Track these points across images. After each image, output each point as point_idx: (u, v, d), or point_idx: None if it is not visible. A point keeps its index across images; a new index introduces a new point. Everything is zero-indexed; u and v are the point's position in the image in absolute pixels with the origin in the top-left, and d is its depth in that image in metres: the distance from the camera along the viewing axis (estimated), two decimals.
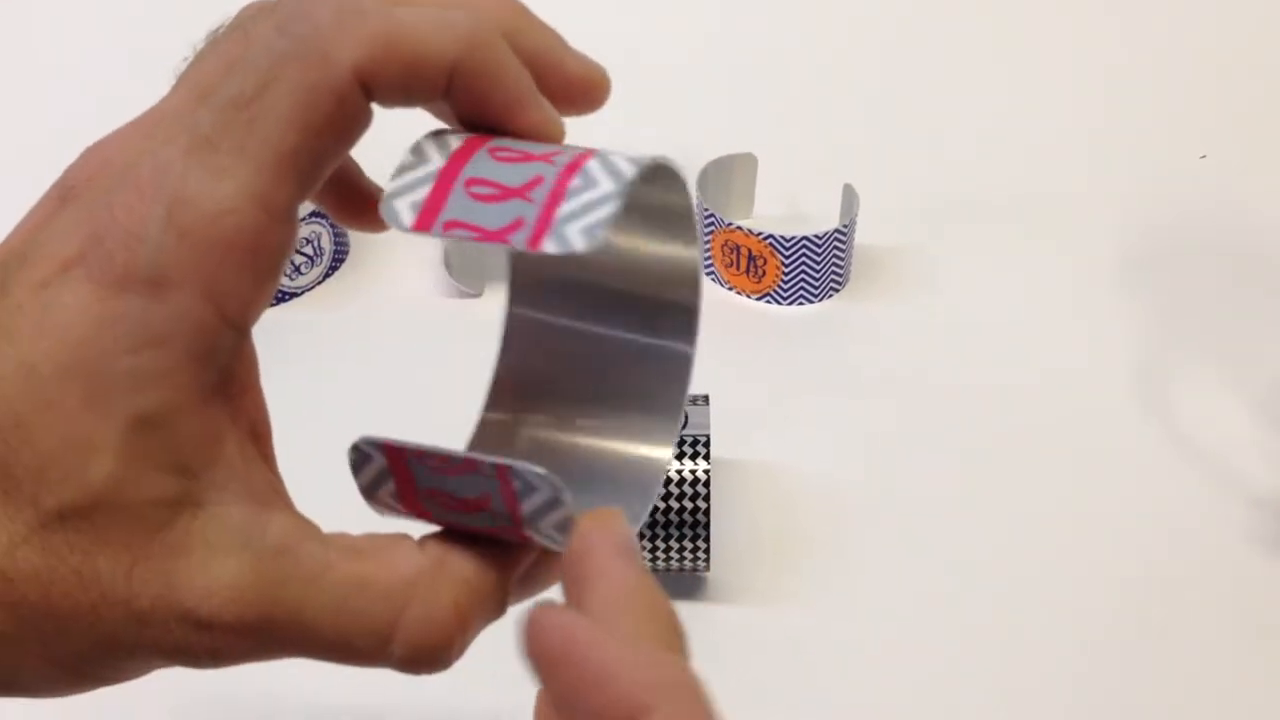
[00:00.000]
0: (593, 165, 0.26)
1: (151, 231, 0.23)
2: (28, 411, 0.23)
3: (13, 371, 0.23)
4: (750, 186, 0.77)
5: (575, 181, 0.25)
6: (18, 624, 0.23)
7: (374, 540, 0.25)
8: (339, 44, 0.24)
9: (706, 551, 0.53)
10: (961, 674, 0.53)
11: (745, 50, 0.92)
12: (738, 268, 0.71)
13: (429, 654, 0.26)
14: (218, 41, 0.26)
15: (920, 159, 0.83)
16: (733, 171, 0.75)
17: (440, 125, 0.28)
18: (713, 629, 0.55)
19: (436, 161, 0.26)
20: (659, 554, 0.53)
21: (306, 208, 0.72)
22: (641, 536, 0.52)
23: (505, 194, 0.25)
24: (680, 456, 0.52)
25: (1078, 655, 0.54)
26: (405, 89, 0.25)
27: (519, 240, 0.24)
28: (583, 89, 0.29)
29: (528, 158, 0.26)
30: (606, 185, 0.25)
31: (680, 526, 0.52)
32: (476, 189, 0.25)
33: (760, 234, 0.69)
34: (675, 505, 0.52)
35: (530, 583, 0.28)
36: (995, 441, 0.63)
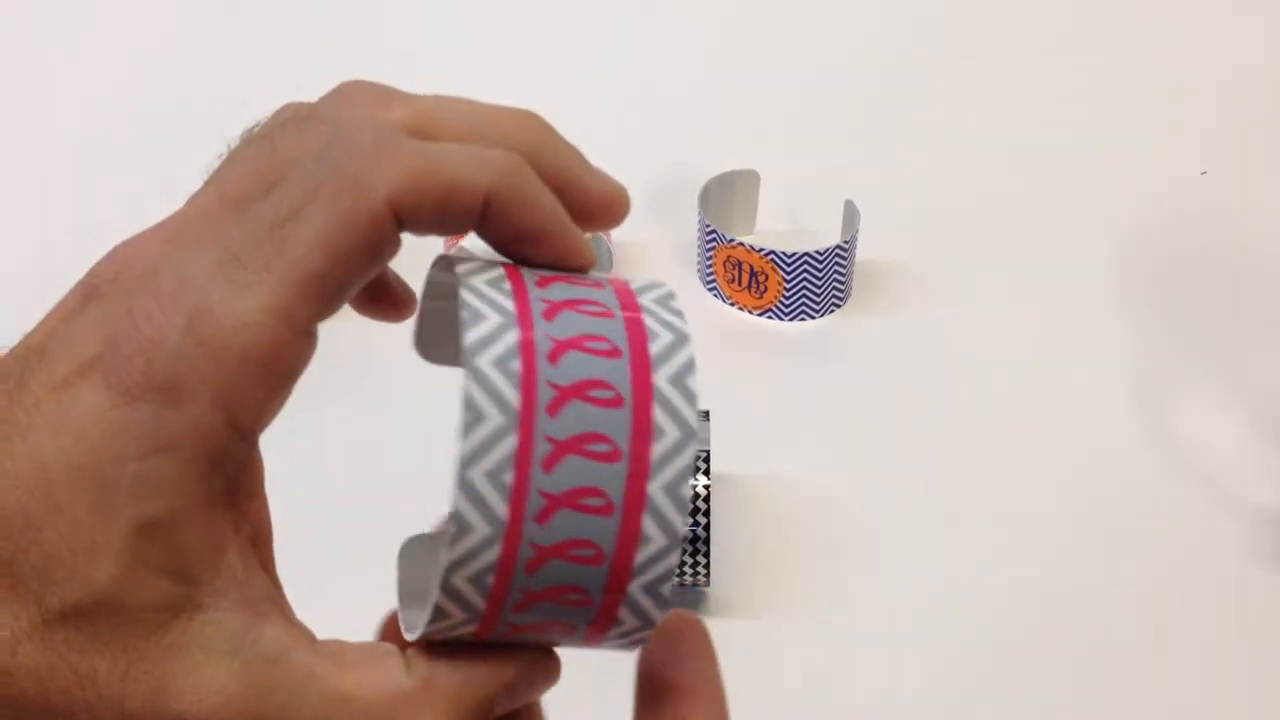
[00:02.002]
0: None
1: (170, 339, 0.24)
2: (37, 511, 0.23)
3: (26, 470, 0.24)
4: (752, 203, 0.77)
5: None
6: (15, 718, 0.24)
7: (363, 651, 0.26)
8: (376, 174, 0.24)
9: (707, 566, 0.53)
10: (962, 687, 0.53)
11: (748, 68, 0.93)
12: (739, 283, 0.72)
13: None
14: (246, 147, 0.26)
15: (921, 175, 0.83)
16: (735, 188, 0.76)
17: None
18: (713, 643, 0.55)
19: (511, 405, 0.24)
20: None
21: None
22: None
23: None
24: None
25: (1079, 668, 0.54)
26: (439, 220, 0.25)
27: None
28: (604, 208, 0.28)
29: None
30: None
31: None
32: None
33: (762, 250, 0.69)
34: None
35: (514, 696, 0.27)
36: (995, 456, 0.63)
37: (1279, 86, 0.91)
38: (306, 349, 0.25)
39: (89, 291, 0.26)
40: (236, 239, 0.24)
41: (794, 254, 0.69)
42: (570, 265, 0.27)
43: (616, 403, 0.24)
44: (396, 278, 0.31)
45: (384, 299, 0.32)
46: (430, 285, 0.29)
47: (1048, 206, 0.80)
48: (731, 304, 0.73)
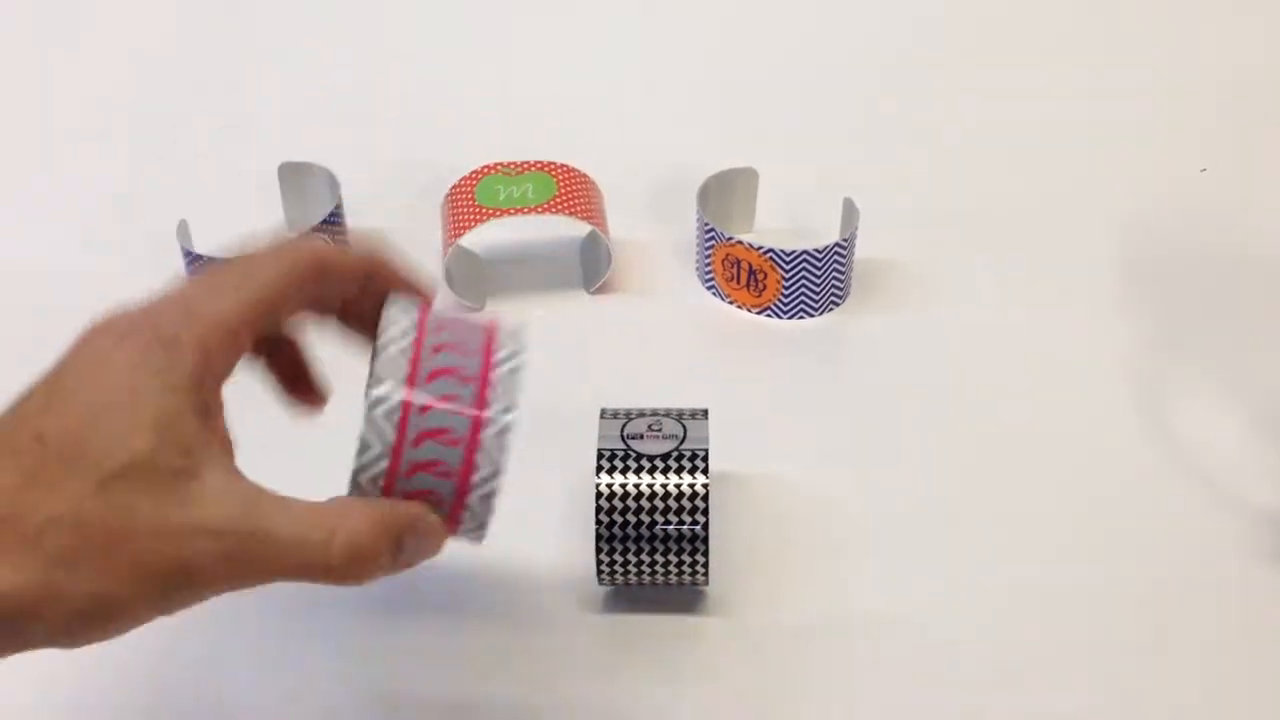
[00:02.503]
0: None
1: (175, 317, 0.40)
2: (90, 414, 0.37)
3: (78, 394, 0.38)
4: (751, 201, 0.77)
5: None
6: (83, 549, 0.36)
7: (324, 500, 0.40)
8: (303, 251, 0.43)
9: (705, 566, 0.53)
10: (961, 686, 0.53)
11: (747, 67, 0.93)
12: (738, 281, 0.71)
13: (357, 564, 0.39)
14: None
15: (920, 173, 0.83)
16: (734, 186, 0.76)
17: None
18: (712, 643, 0.55)
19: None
20: (657, 568, 0.53)
21: (316, 218, 0.72)
22: (640, 551, 0.53)
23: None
24: (679, 470, 0.52)
25: (1079, 667, 0.54)
26: (343, 278, 0.44)
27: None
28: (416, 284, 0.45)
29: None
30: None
31: (679, 540, 0.52)
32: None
33: (761, 248, 0.69)
34: (674, 519, 0.52)
35: (418, 537, 0.41)
36: (994, 454, 0.63)
37: (1278, 84, 0.91)
38: (248, 341, 0.41)
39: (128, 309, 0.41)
40: (214, 279, 0.41)
41: (793, 252, 0.69)
42: (416, 293, 0.45)
43: (456, 443, 0.41)
44: (320, 374, 0.48)
45: (303, 387, 0.48)
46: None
47: (1047, 205, 0.80)
48: (730, 302, 0.73)
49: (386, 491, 0.41)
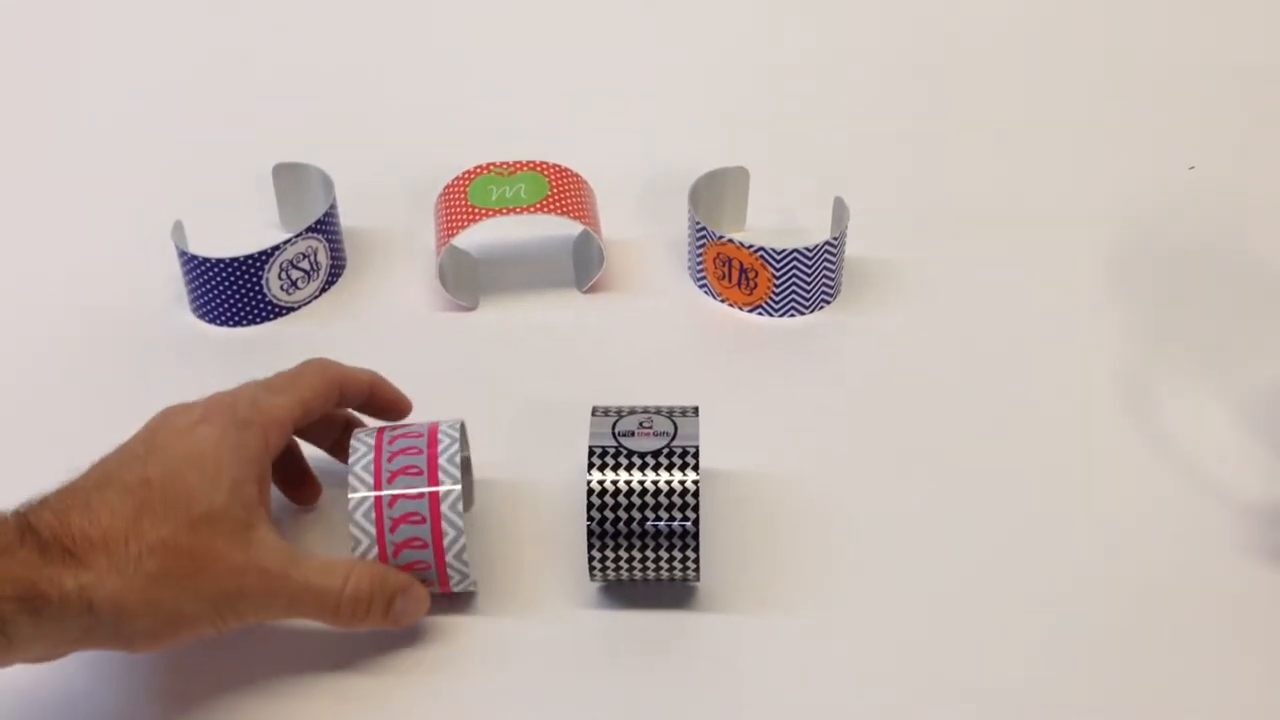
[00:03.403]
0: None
1: (245, 406, 0.53)
2: (186, 472, 0.50)
3: (176, 457, 0.50)
4: (742, 200, 0.77)
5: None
6: (175, 569, 0.48)
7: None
8: (332, 369, 0.57)
9: (696, 561, 0.53)
10: (952, 682, 0.53)
11: (737, 66, 0.93)
12: (730, 280, 0.72)
13: (358, 606, 0.52)
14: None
15: (910, 172, 0.84)
16: (725, 185, 0.76)
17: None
18: (702, 638, 0.55)
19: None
20: (649, 564, 0.54)
21: (310, 218, 0.73)
22: (631, 547, 0.53)
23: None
24: (670, 467, 0.53)
25: (1068, 661, 0.54)
26: (357, 390, 0.58)
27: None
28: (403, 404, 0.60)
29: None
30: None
31: (670, 537, 0.53)
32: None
33: (752, 247, 0.70)
34: (665, 516, 0.53)
35: (408, 600, 0.53)
36: (984, 451, 0.64)
37: (1266, 82, 0.91)
38: (290, 433, 0.55)
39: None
40: (269, 383, 0.55)
41: (783, 251, 0.69)
42: (403, 409, 0.60)
43: (423, 520, 0.53)
44: (311, 474, 0.61)
45: (303, 483, 0.61)
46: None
47: (1036, 203, 0.81)
48: (722, 300, 0.73)
49: None
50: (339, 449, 0.60)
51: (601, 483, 0.53)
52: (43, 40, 0.95)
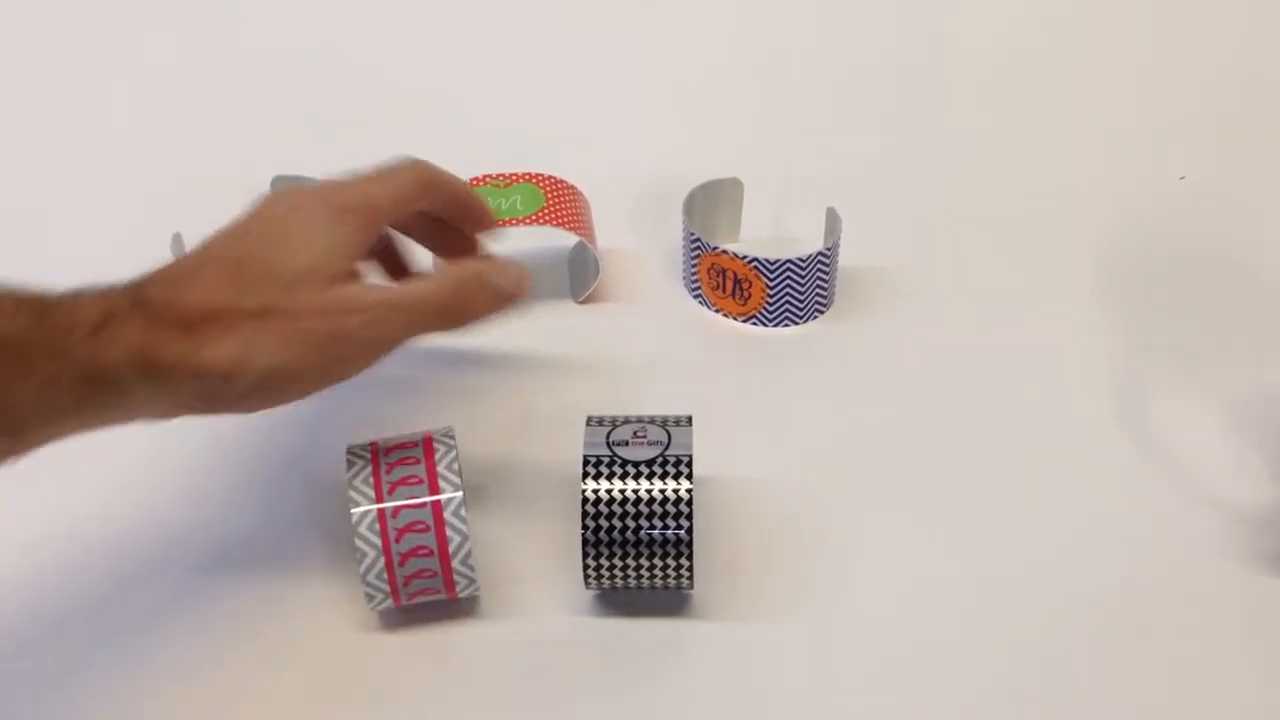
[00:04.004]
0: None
1: (339, 193, 0.54)
2: (277, 244, 0.51)
3: (278, 236, 0.51)
4: (736, 211, 0.78)
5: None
6: (270, 331, 0.49)
7: None
8: (431, 169, 0.59)
9: (690, 570, 0.54)
10: (945, 688, 0.54)
11: (731, 77, 0.94)
12: (724, 290, 0.73)
13: (459, 297, 0.54)
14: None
15: (903, 182, 0.84)
16: (719, 196, 0.77)
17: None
18: (698, 646, 0.56)
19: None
20: (643, 572, 0.54)
21: None
22: (625, 556, 0.54)
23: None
24: (664, 476, 0.53)
25: (1063, 669, 0.54)
26: (443, 193, 0.59)
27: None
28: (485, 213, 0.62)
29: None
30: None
31: (664, 545, 0.53)
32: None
33: (745, 257, 0.70)
34: (659, 524, 0.53)
35: (505, 275, 0.56)
36: (977, 459, 0.64)
37: (1257, 91, 0.92)
38: (386, 224, 0.57)
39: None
40: (370, 175, 0.56)
41: (777, 261, 0.70)
42: (483, 216, 0.61)
43: (427, 529, 0.53)
44: (410, 265, 0.62)
45: (404, 273, 0.61)
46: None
47: (1029, 213, 0.82)
48: (716, 310, 0.74)
49: (391, 582, 0.53)
50: (430, 241, 0.62)
51: (596, 491, 0.53)
52: (42, 52, 0.95)
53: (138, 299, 0.48)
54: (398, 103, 0.92)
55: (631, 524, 0.53)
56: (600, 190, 0.78)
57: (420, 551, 0.53)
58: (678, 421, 0.56)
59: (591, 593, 0.57)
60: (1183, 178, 0.84)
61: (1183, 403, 0.67)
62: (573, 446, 0.55)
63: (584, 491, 0.53)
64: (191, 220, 0.73)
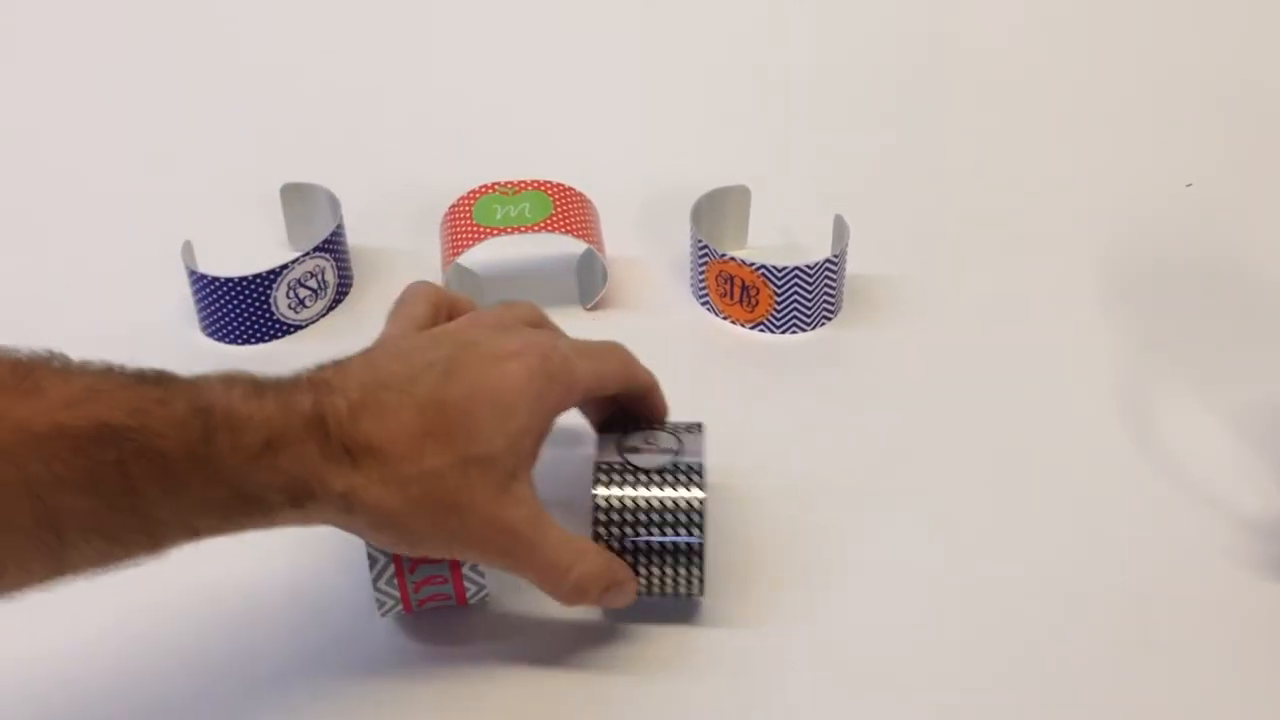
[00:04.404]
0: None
1: (558, 360, 0.51)
2: (478, 406, 0.49)
3: (476, 386, 0.49)
4: (744, 218, 0.78)
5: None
6: (433, 502, 0.48)
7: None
8: (635, 363, 0.58)
9: (701, 578, 0.54)
10: (955, 698, 0.54)
11: (739, 86, 0.94)
12: (731, 297, 0.73)
13: (581, 589, 0.52)
14: (493, 309, 0.57)
15: (910, 189, 0.85)
16: (726, 204, 0.77)
17: None
18: (707, 654, 0.56)
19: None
20: (654, 580, 0.54)
21: (311, 242, 0.73)
22: (637, 564, 0.54)
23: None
24: (675, 484, 0.54)
25: (1069, 676, 0.54)
26: (635, 391, 0.57)
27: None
28: (662, 406, 0.59)
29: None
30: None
31: (675, 554, 0.53)
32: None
33: (753, 265, 0.70)
34: (671, 532, 0.53)
35: (619, 590, 0.54)
36: (986, 466, 0.64)
37: (1264, 98, 0.92)
38: (581, 400, 0.55)
39: (472, 324, 0.55)
40: (579, 345, 0.55)
41: (785, 268, 0.70)
42: (659, 413, 0.58)
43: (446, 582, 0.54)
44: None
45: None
46: None
47: (1035, 219, 0.82)
48: (724, 317, 0.74)
49: (401, 588, 0.54)
50: (589, 410, 0.59)
51: (608, 499, 0.53)
52: (51, 61, 0.96)
53: (316, 417, 0.46)
54: (406, 111, 0.92)
55: (644, 531, 0.53)
56: (608, 198, 0.78)
57: (429, 558, 0.53)
58: (689, 428, 0.57)
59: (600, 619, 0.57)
60: (1190, 185, 0.84)
61: (1188, 409, 0.67)
62: (582, 453, 0.56)
63: (595, 498, 0.54)
64: (202, 229, 0.74)
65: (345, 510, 0.47)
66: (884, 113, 0.92)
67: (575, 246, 0.76)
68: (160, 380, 0.44)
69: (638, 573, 0.54)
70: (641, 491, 0.53)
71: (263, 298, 0.71)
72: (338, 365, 0.50)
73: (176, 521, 0.44)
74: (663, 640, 0.56)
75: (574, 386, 0.52)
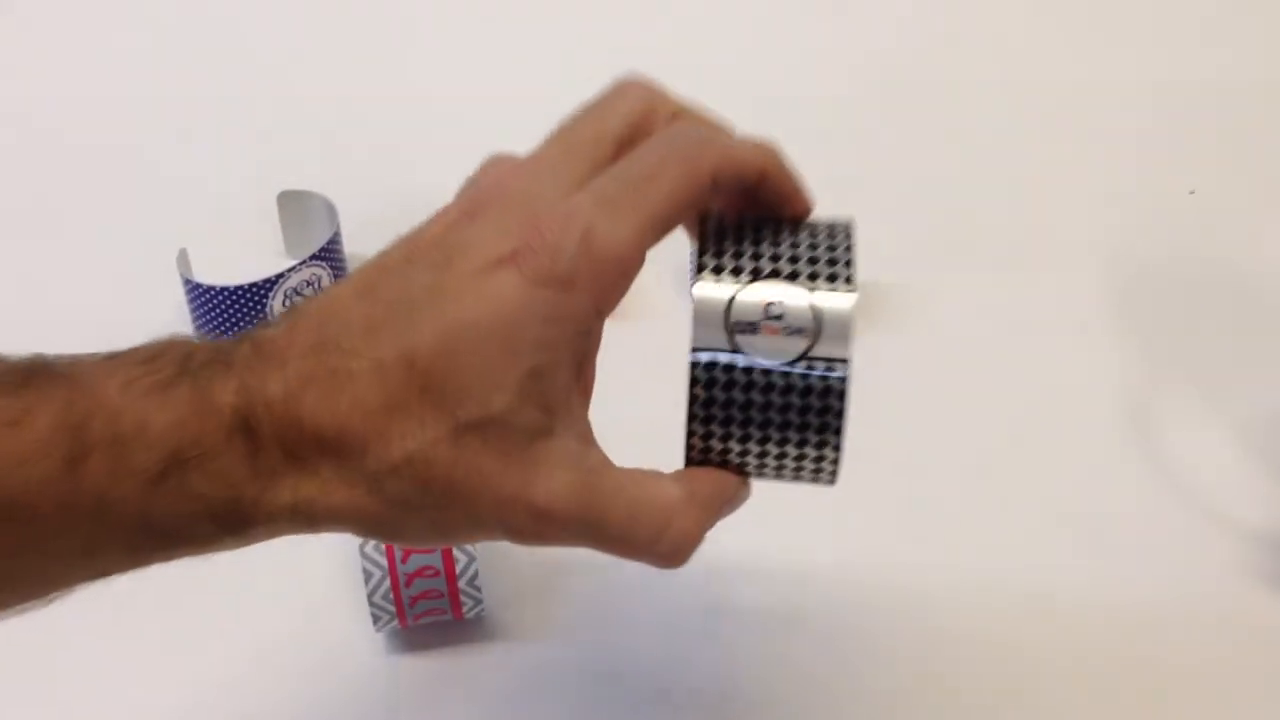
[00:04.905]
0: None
1: (568, 249, 0.34)
2: (462, 352, 0.34)
3: (455, 322, 0.34)
4: None
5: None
6: (421, 497, 0.35)
7: (646, 473, 0.37)
8: (705, 156, 0.37)
9: (838, 450, 0.39)
10: (955, 710, 0.53)
11: (737, 94, 0.94)
12: None
13: (680, 555, 0.37)
14: (585, 115, 0.39)
15: (910, 199, 0.84)
16: None
17: None
18: (710, 666, 0.55)
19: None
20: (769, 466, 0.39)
21: (308, 251, 0.73)
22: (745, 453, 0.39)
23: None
24: (805, 409, 0.38)
25: (1069, 688, 0.54)
26: (736, 183, 0.38)
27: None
28: (805, 206, 0.41)
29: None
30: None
31: (808, 397, 0.38)
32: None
33: None
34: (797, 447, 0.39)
35: (733, 506, 0.39)
36: (986, 475, 0.64)
37: (1267, 105, 0.92)
38: (642, 265, 0.36)
39: (472, 208, 0.37)
40: (611, 187, 0.36)
41: None
42: (799, 210, 0.40)
43: (434, 550, 0.52)
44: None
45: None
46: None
47: (1039, 227, 0.81)
48: None
49: (397, 603, 0.52)
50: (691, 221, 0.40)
51: (708, 421, 0.38)
52: (47, 69, 0.96)
53: (239, 417, 0.34)
54: (404, 119, 0.92)
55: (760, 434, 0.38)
56: None
57: (427, 572, 0.52)
58: (832, 272, 0.38)
59: (600, 612, 0.57)
60: (1192, 192, 0.84)
61: (1191, 419, 0.67)
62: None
63: (691, 420, 0.38)
64: (197, 237, 0.74)
65: (306, 524, 0.35)
66: (883, 120, 0.91)
67: None
68: (27, 380, 0.33)
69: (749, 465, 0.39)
70: (759, 399, 0.37)
71: (259, 307, 0.71)
72: (290, 317, 0.36)
73: (60, 575, 0.34)
74: (663, 654, 0.56)
75: (608, 277, 0.35)
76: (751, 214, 0.40)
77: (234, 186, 0.85)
